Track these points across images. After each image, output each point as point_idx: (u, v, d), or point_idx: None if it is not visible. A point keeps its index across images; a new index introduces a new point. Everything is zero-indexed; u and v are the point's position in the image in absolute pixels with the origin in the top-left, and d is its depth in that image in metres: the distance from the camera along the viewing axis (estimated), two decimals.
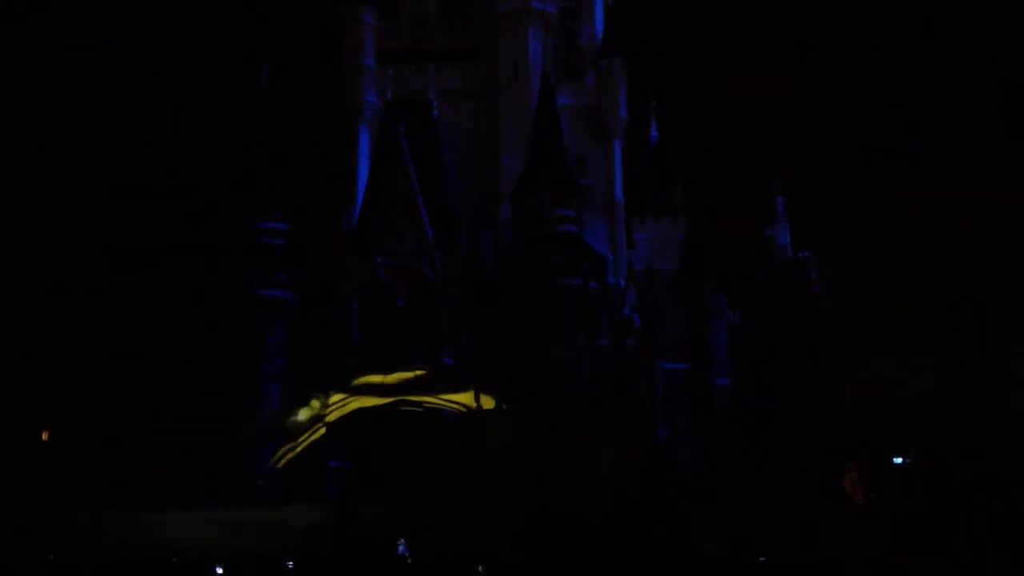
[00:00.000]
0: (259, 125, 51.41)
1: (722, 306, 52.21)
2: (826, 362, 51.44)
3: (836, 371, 50.91)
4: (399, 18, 56.45)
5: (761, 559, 36.86)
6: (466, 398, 46.11)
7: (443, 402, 46.00)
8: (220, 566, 33.55)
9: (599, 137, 55.88)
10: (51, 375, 47.77)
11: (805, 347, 51.14)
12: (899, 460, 44.33)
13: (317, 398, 46.87)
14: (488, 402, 45.96)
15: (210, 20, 65.51)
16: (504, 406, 45.57)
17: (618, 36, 57.21)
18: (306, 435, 45.74)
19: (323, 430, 45.85)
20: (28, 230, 56.91)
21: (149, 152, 61.38)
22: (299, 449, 45.35)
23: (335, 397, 46.69)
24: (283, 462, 45.12)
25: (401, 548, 35.72)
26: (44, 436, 45.77)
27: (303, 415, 46.24)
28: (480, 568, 31.48)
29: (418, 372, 46.51)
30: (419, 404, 46.40)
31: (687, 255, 54.26)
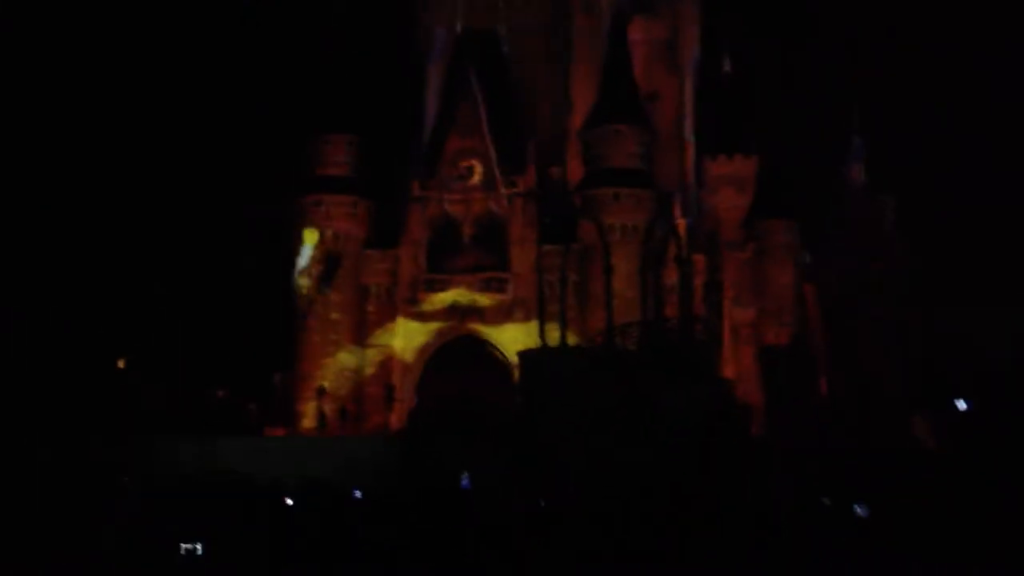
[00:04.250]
0: (330, 52, 51.26)
1: (792, 246, 51.33)
2: (899, 305, 50.51)
3: (909, 314, 49.96)
4: None
5: (825, 502, 36.66)
6: (530, 332, 46.19)
7: (507, 335, 46.24)
8: (290, 497, 34.26)
9: (671, 72, 54.90)
10: (128, 304, 48.93)
11: (878, 290, 50.25)
12: (963, 406, 43.44)
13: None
14: (552, 337, 45.98)
15: None
16: (567, 342, 45.54)
17: None
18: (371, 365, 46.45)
19: (382, 358, 46.47)
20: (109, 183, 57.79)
21: (217, 81, 61.68)
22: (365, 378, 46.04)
23: (402, 325, 47.19)
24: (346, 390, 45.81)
25: (465, 482, 36.16)
26: (120, 364, 46.97)
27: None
28: (542, 502, 31.75)
29: (483, 303, 46.75)
30: (483, 336, 46.70)
31: (758, 194, 53.25)
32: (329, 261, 47.25)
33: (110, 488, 34.88)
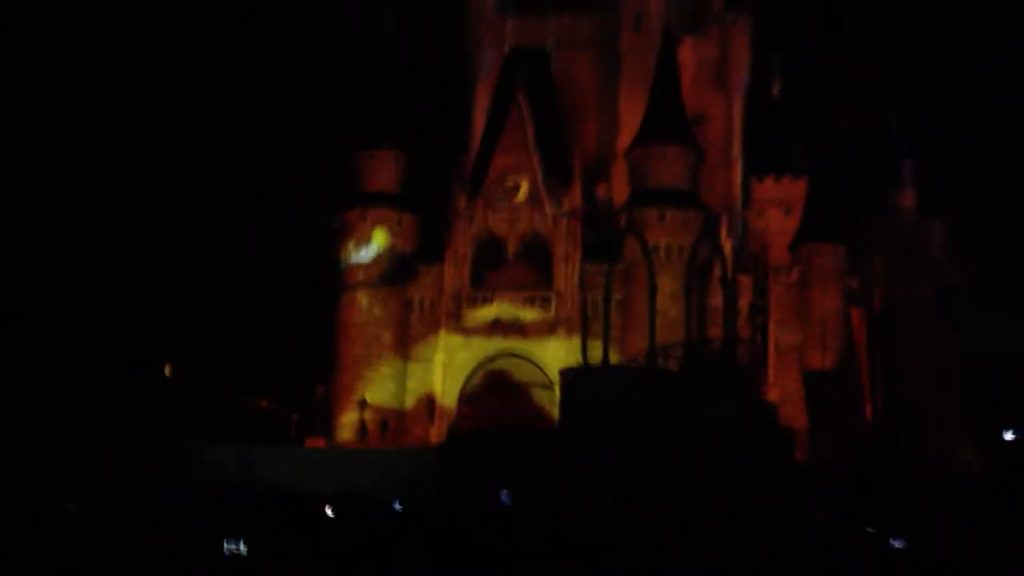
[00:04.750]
0: (380, 69, 51.77)
1: (839, 270, 50.82)
2: (947, 330, 49.75)
3: (957, 339, 49.16)
4: None
5: (869, 530, 36.11)
6: (572, 350, 46.08)
7: (549, 352, 46.16)
8: (329, 508, 34.38)
9: (720, 93, 54.74)
10: (175, 314, 49.52)
11: (926, 315, 49.56)
12: (1010, 436, 42.65)
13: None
14: (594, 355, 45.84)
15: None
16: (609, 360, 45.37)
17: None
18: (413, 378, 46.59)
19: (424, 371, 46.66)
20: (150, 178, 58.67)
21: (268, 94, 62.42)
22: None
23: (444, 339, 47.29)
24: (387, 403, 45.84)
25: (504, 497, 36.02)
26: (167, 371, 47.50)
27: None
28: (577, 518, 31.55)
29: (526, 319, 46.76)
30: (525, 353, 46.66)
31: (806, 217, 52.85)
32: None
33: (156, 492, 35.24)
